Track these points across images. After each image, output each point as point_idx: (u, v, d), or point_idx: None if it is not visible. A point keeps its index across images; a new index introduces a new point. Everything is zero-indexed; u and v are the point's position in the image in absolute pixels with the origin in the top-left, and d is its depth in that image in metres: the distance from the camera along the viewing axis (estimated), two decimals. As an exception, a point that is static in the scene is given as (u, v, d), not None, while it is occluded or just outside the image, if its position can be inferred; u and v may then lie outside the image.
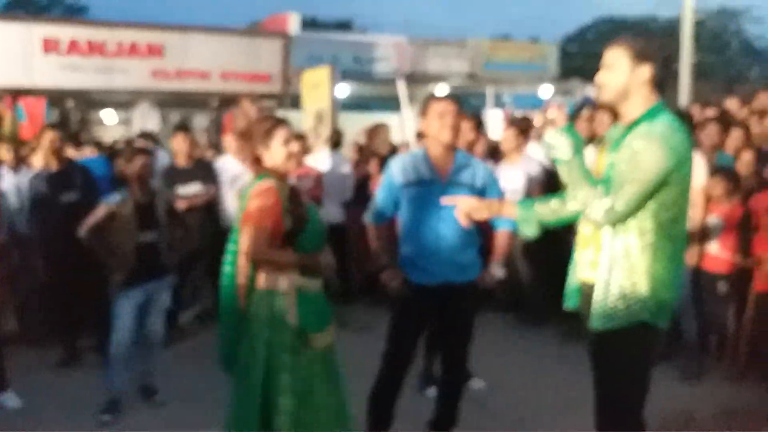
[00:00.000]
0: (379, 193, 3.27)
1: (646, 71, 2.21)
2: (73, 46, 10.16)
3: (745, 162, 4.46)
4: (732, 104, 6.24)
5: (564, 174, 2.26)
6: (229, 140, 5.63)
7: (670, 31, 29.24)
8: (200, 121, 12.80)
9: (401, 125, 13.69)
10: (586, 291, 2.36)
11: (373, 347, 3.24)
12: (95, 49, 10.31)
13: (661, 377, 4.14)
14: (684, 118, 4.42)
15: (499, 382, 4.18)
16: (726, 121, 5.00)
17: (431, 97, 3.19)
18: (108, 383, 3.87)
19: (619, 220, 2.18)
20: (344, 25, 27.96)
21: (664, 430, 3.47)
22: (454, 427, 3.30)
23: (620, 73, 2.23)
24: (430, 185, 3.06)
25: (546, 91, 15.18)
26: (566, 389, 4.08)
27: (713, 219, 4.28)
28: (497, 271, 3.22)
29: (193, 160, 5.33)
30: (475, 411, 3.64)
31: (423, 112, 3.14)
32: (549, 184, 5.27)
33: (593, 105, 2.44)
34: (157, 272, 3.92)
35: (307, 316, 2.64)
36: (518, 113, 14.18)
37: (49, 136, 4.57)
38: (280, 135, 2.65)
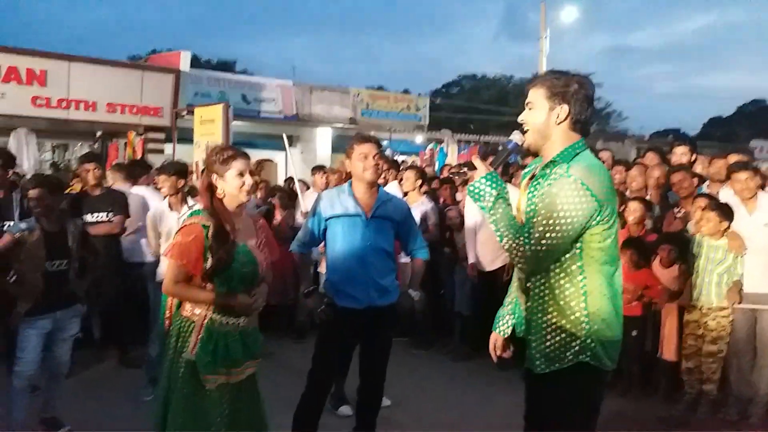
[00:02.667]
0: (306, 223, 3.50)
1: (563, 111, 2.13)
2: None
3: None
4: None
5: (489, 220, 2.17)
6: (111, 173, 5.69)
7: (522, 88, 32.46)
8: (81, 150, 12.26)
9: (286, 162, 13.95)
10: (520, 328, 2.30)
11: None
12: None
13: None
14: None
15: (402, 399, 4.49)
16: None
17: (355, 139, 3.43)
18: (9, 418, 3.68)
19: (539, 265, 2.11)
20: (228, 66, 27.96)
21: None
22: (372, 439, 3.53)
23: (539, 113, 2.16)
24: (354, 218, 3.31)
25: (420, 138, 16.35)
26: (461, 404, 4.54)
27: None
28: (414, 294, 3.56)
29: (102, 189, 5.25)
30: (385, 426, 3.91)
31: (347, 153, 3.41)
32: (442, 225, 5.83)
33: (519, 149, 2.28)
34: (65, 301, 3.84)
35: (204, 354, 2.57)
36: (398, 158, 15.07)
37: None
38: (236, 166, 2.65)
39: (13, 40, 21.05)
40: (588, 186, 2.03)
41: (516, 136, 2.24)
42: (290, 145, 7.10)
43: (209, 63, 26.63)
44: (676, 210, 4.82)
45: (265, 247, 2.85)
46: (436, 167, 12.15)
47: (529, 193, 2.20)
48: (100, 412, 4.22)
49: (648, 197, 5.08)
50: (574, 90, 2.12)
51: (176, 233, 2.73)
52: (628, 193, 5.23)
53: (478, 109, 27.14)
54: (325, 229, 3.40)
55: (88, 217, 4.89)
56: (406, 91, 23.56)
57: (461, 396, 4.73)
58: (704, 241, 4.34)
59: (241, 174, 2.67)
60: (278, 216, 6.32)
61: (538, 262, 2.10)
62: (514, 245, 2.11)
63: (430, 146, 14.85)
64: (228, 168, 2.66)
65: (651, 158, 5.62)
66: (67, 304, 3.86)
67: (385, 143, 16.07)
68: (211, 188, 2.69)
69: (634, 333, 4.64)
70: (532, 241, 2.07)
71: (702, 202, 4.38)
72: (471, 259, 5.40)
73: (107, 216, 5.04)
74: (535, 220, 2.08)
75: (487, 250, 5.22)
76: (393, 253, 3.46)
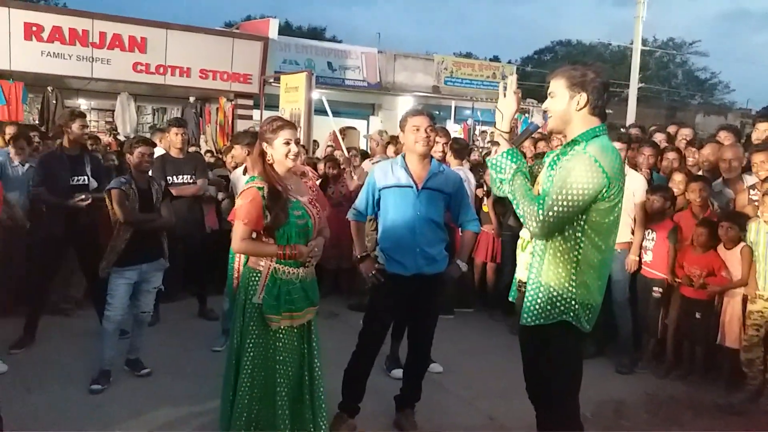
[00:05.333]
0: (361, 193, 3.68)
1: (582, 99, 2.33)
2: (55, 34, 10.28)
3: (677, 182, 4.98)
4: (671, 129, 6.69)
5: (507, 192, 2.41)
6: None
7: (620, 57, 30.69)
8: (174, 114, 13.07)
9: (367, 130, 14.14)
10: (521, 289, 2.59)
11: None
12: (77, 37, 10.45)
13: (596, 370, 4.78)
14: (624, 138, 4.96)
15: (454, 366, 4.64)
16: (658, 145, 5.52)
17: (408, 112, 3.56)
18: (99, 355, 4.16)
19: (550, 230, 2.31)
20: (317, 33, 28.37)
21: (597, 415, 4.01)
22: (417, 401, 3.73)
23: (560, 101, 2.37)
24: (406, 189, 3.45)
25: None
26: (513, 374, 4.60)
27: (650, 232, 4.84)
28: (461, 266, 3.67)
29: (186, 153, 5.63)
30: (435, 390, 4.12)
31: (401, 126, 3.54)
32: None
33: (538, 130, 2.59)
34: (151, 255, 4.23)
35: (270, 297, 2.87)
36: (480, 127, 14.91)
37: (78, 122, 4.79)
38: (284, 134, 2.92)
39: (117, 9, 22.34)
40: (600, 163, 2.24)
41: (537, 119, 2.43)
42: (372, 113, 7.30)
43: (300, 29, 27.11)
44: (752, 192, 4.51)
45: (317, 203, 3.09)
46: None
47: (549, 167, 2.44)
48: (178, 358, 4.67)
49: (721, 179, 4.82)
50: (591, 79, 2.34)
51: (237, 197, 3.02)
52: (700, 173, 4.97)
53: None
54: (378, 199, 3.55)
55: (173, 179, 5.28)
56: (494, 59, 23.06)
57: (515, 366, 4.76)
58: (763, 228, 4.14)
59: (287, 142, 2.92)
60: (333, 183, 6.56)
61: (548, 226, 2.30)
62: (528, 210, 2.33)
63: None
64: (276, 137, 2.93)
65: (724, 137, 5.24)
66: (152, 258, 4.25)
67: (467, 112, 15.95)
68: (263, 155, 2.96)
69: (697, 315, 4.53)
70: (545, 207, 2.28)
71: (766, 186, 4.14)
72: None
73: (190, 178, 5.43)
74: (550, 189, 2.31)
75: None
76: (443, 224, 3.56)
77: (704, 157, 4.99)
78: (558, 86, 2.39)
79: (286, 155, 2.93)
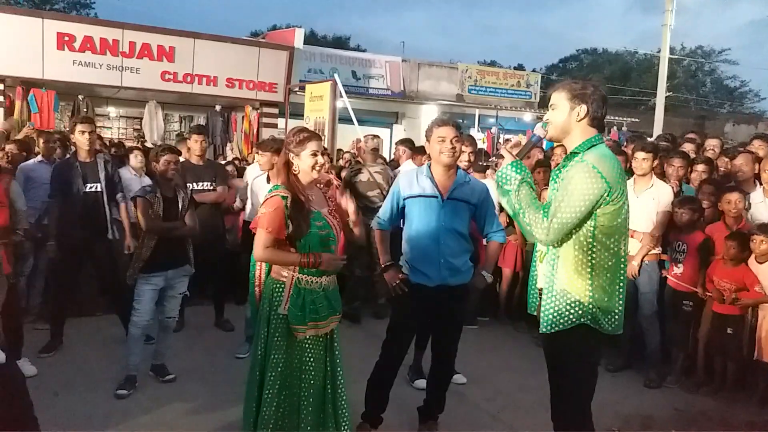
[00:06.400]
0: (386, 202, 3.68)
1: (582, 110, 2.44)
2: (86, 43, 10.50)
3: (707, 194, 4.87)
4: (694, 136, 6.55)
5: (513, 203, 2.50)
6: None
7: (647, 65, 30.33)
8: (199, 122, 13.24)
9: (391, 139, 14.11)
10: (540, 298, 2.61)
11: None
12: (107, 47, 10.66)
13: (625, 383, 4.70)
14: (649, 147, 4.87)
15: (478, 378, 4.59)
16: (688, 156, 5.41)
17: (434, 122, 3.54)
18: (125, 361, 4.21)
19: (555, 237, 2.40)
20: (342, 42, 28.59)
21: (625, 430, 3.93)
22: (440, 413, 3.70)
23: (561, 112, 2.49)
24: (431, 199, 3.43)
25: (529, 116, 15.91)
26: (540, 387, 4.52)
27: (680, 244, 4.74)
28: (486, 275, 3.63)
29: (206, 160, 5.68)
30: (458, 402, 4.08)
31: (427, 136, 3.53)
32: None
33: (541, 141, 2.73)
34: (176, 261, 4.28)
35: (295, 308, 2.87)
36: (504, 136, 14.85)
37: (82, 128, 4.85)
38: (311, 146, 2.95)
39: (146, 19, 22.76)
40: (599, 169, 2.34)
41: (539, 131, 2.61)
42: (395, 122, 7.29)
43: (325, 39, 27.35)
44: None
45: (336, 213, 3.10)
46: (544, 147, 11.84)
47: (552, 181, 2.60)
48: (202, 364, 4.70)
49: (761, 191, 4.68)
50: (590, 92, 2.46)
51: (261, 206, 3.03)
52: (733, 184, 4.86)
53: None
54: (403, 208, 3.54)
55: (193, 185, 5.30)
56: (519, 67, 22.99)
57: (540, 379, 4.70)
58: None
59: (314, 154, 2.95)
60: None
61: (554, 233, 2.39)
62: (534, 219, 2.44)
63: (539, 125, 14.46)
64: (303, 148, 2.95)
65: (758, 146, 5.13)
66: (178, 265, 4.29)
67: (491, 121, 15.90)
68: (288, 165, 2.99)
69: (729, 331, 4.42)
70: (550, 215, 2.39)
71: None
72: None
73: (211, 185, 5.48)
74: (553, 198, 2.44)
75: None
76: (467, 234, 3.53)
77: (737, 167, 4.87)
78: (559, 98, 2.50)
79: (313, 167, 2.96)
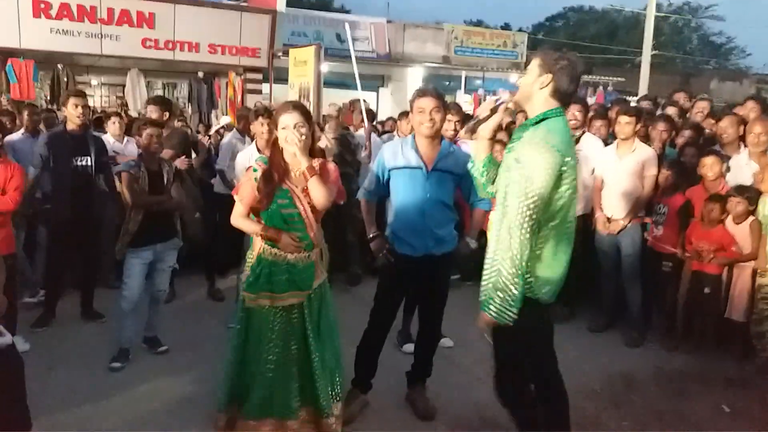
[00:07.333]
0: (371, 173, 3.70)
1: (546, 79, 2.44)
2: (63, 10, 10.24)
3: (689, 156, 4.94)
4: (679, 97, 6.55)
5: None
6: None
7: (634, 23, 30.05)
8: (182, 89, 13.06)
9: (377, 103, 13.98)
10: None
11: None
12: (85, 14, 10.41)
13: (606, 343, 4.84)
14: (632, 111, 4.89)
15: (466, 342, 4.67)
16: (673, 120, 5.43)
17: (415, 93, 3.52)
18: (118, 334, 4.28)
19: (532, 222, 2.37)
20: (325, 4, 27.99)
21: (608, 388, 4.06)
22: (428, 376, 3.80)
23: (529, 78, 2.50)
24: (415, 170, 3.44)
25: (514, 77, 15.81)
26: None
27: (661, 206, 4.82)
28: (471, 243, 3.69)
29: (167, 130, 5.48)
30: (446, 365, 4.18)
31: (410, 106, 3.52)
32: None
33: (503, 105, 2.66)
34: (164, 235, 4.30)
35: (252, 276, 2.99)
36: (491, 96, 14.72)
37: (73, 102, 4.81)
38: (283, 120, 2.96)
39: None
40: (551, 143, 2.35)
41: (504, 95, 2.64)
42: (381, 85, 7.20)
43: (308, 1, 26.77)
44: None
45: (309, 194, 2.99)
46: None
47: (507, 152, 2.55)
48: (194, 335, 4.77)
49: (746, 154, 4.69)
50: (562, 65, 2.44)
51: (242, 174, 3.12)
52: (718, 147, 4.88)
53: (583, 45, 25.68)
54: (388, 179, 3.57)
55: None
56: (505, 27, 22.73)
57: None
58: None
59: (285, 128, 2.96)
60: None
61: (531, 220, 2.36)
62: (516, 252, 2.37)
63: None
64: (277, 122, 3.02)
65: (751, 107, 5.10)
66: (166, 238, 4.31)
67: (478, 82, 15.79)
68: (274, 138, 3.06)
69: (706, 290, 4.54)
70: (523, 206, 2.34)
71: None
72: None
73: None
74: (517, 186, 2.37)
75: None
76: (452, 205, 3.57)
77: (722, 129, 4.84)
78: (533, 64, 2.51)
79: (284, 140, 2.95)
